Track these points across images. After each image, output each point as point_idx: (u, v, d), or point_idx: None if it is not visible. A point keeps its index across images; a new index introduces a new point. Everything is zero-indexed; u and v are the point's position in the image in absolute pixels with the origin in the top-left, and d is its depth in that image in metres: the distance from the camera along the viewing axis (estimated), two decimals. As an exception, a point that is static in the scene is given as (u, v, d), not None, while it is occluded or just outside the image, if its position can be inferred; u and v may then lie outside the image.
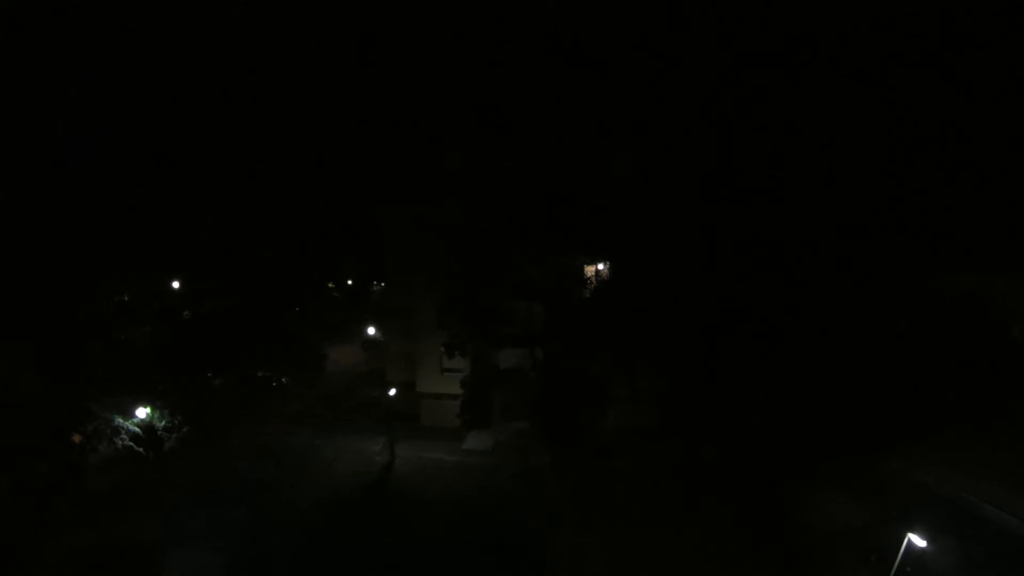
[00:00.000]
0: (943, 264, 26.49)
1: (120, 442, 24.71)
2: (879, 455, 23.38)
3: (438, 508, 22.29)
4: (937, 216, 25.84)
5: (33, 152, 29.92)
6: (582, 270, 27.63)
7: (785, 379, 23.60)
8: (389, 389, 29.54)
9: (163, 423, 25.73)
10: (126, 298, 37.15)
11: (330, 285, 64.09)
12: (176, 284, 39.37)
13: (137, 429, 25.16)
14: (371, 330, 45.00)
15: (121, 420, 24.93)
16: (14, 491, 20.54)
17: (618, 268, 27.56)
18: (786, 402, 23.60)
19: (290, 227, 47.41)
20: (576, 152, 27.87)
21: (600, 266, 28.65)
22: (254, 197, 44.03)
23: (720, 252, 24.52)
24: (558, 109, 30.15)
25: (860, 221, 25.03)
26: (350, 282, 66.39)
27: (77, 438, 23.03)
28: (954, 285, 26.63)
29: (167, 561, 18.52)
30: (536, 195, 26.52)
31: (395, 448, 26.91)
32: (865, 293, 24.62)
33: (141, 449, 25.06)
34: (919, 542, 15.03)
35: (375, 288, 62.91)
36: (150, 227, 35.65)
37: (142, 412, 25.21)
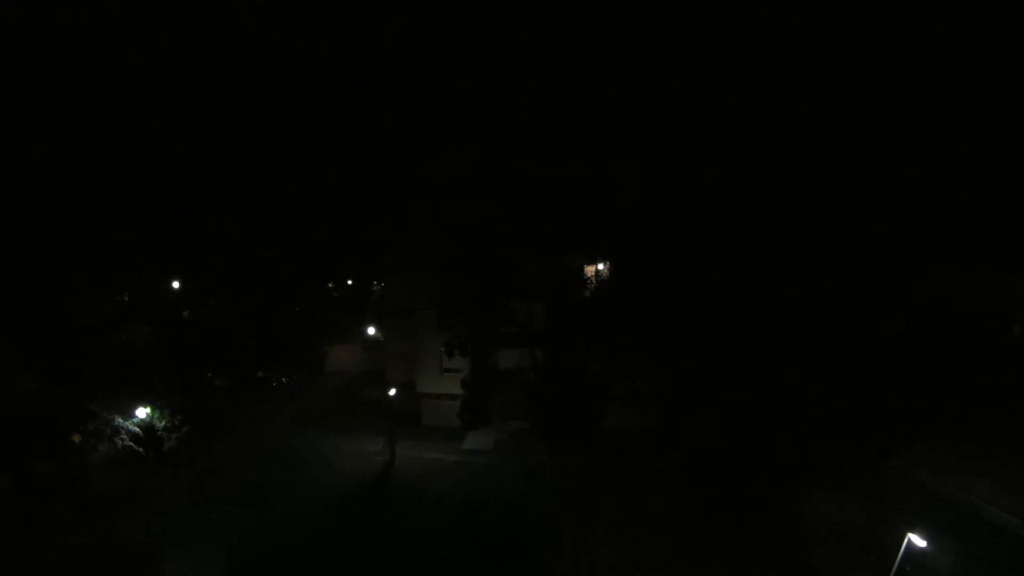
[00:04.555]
0: (943, 264, 26.49)
1: (120, 442, 24.71)
2: (879, 455, 23.38)
3: (438, 508, 22.29)
4: (937, 216, 25.85)
5: (33, 151, 29.87)
6: (582, 270, 27.63)
7: (785, 379, 23.61)
8: (389, 389, 29.52)
9: (163, 423, 25.72)
10: (126, 298, 37.11)
11: (330, 285, 64.02)
12: (176, 284, 39.32)
13: (137, 429, 25.15)
14: (371, 330, 45.01)
15: (121, 420, 24.93)
16: (14, 491, 20.54)
17: (618, 268, 27.55)
18: (786, 402, 23.62)
19: (290, 227, 47.35)
20: (578, 152, 27.89)
21: (600, 266, 28.63)
22: (254, 197, 43.95)
23: (721, 252, 24.51)
24: (560, 109, 30.16)
25: (860, 221, 25.04)
26: (350, 282, 66.34)
27: (77, 438, 23.03)
28: (954, 285, 26.61)
29: (167, 561, 18.51)
30: (537, 195, 26.51)
31: (395, 448, 26.90)
32: (866, 293, 24.63)
33: (141, 449, 25.05)
34: (919, 542, 15.04)
35: (375, 288, 62.88)
36: (150, 227, 35.60)
37: (142, 412, 25.21)
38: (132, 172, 35.66)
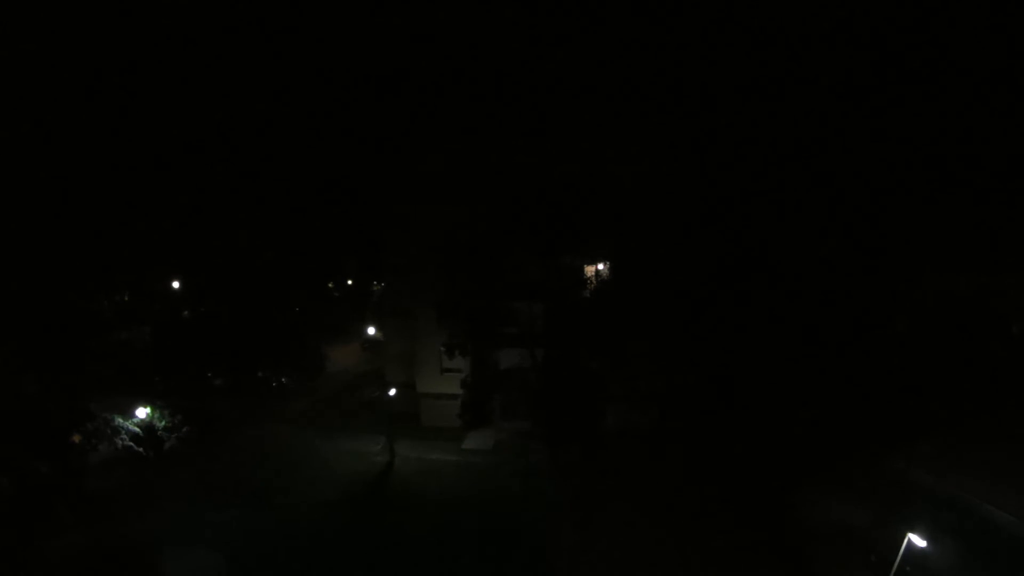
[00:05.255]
0: (943, 264, 26.52)
1: (120, 442, 24.73)
2: (879, 455, 23.40)
3: (438, 508, 22.28)
4: (937, 217, 25.86)
5: (33, 151, 29.90)
6: (582, 270, 27.62)
7: (785, 379, 23.61)
8: (389, 389, 29.53)
9: (163, 423, 25.74)
10: (126, 298, 37.15)
11: (330, 285, 64.10)
12: (176, 284, 39.35)
13: (137, 429, 25.17)
14: (371, 330, 45.03)
15: (121, 420, 24.95)
16: (14, 491, 20.54)
17: (618, 268, 27.55)
18: (786, 402, 23.63)
19: (290, 227, 47.41)
20: (578, 151, 27.90)
21: (600, 266, 28.64)
22: (254, 197, 44.01)
23: (722, 253, 24.52)
24: (560, 109, 30.17)
25: (861, 222, 25.05)
26: (350, 282, 66.41)
27: (77, 438, 23.04)
28: (954, 285, 26.64)
29: (167, 561, 18.51)
30: (537, 195, 26.51)
31: (395, 448, 26.91)
32: (866, 293, 24.64)
33: (141, 449, 25.07)
34: (919, 542, 15.03)
35: (375, 288, 62.93)
36: (150, 227, 35.65)
37: (142, 412, 25.22)
38: (132, 172, 35.68)
